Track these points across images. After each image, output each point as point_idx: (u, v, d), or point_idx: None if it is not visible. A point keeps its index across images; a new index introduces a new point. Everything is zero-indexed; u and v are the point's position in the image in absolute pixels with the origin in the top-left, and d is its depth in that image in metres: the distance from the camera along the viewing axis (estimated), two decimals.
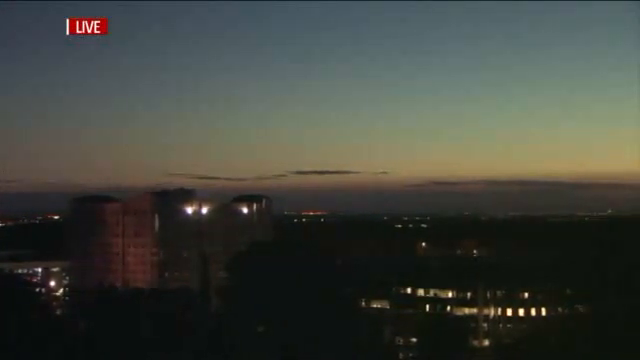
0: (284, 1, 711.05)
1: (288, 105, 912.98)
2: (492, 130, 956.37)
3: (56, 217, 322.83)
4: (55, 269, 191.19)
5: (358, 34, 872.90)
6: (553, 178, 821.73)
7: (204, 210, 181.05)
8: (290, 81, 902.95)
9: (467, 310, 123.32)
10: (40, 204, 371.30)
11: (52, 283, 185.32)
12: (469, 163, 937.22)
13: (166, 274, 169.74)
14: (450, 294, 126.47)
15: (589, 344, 73.91)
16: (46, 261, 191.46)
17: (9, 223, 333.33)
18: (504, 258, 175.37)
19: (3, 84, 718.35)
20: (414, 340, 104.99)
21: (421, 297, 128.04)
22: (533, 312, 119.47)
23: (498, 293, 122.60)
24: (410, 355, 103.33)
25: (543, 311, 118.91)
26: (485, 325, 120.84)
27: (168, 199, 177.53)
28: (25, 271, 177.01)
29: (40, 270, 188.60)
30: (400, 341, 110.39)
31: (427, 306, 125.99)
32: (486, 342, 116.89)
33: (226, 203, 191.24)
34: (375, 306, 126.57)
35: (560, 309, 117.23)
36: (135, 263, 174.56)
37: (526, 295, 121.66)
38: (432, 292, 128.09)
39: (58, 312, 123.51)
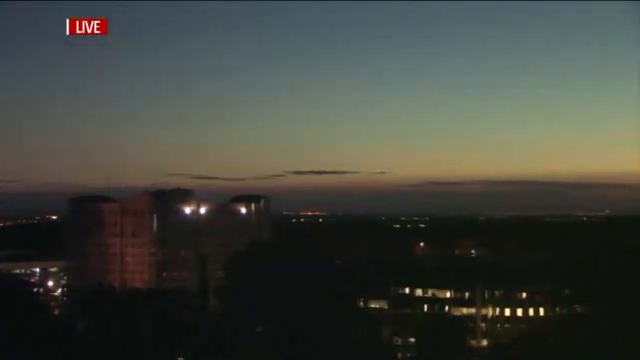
0: (284, 1, 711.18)
1: (286, 105, 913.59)
2: (490, 130, 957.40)
3: (54, 217, 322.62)
4: (53, 269, 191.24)
5: (357, 34, 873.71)
6: (552, 178, 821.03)
7: (202, 210, 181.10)
8: (288, 81, 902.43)
9: (465, 310, 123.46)
10: (40, 204, 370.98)
11: (50, 283, 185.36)
12: (467, 163, 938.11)
13: (164, 274, 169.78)
14: (448, 294, 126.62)
15: (587, 344, 73.93)
16: (44, 261, 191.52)
17: (7, 223, 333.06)
18: (502, 258, 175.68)
19: (3, 84, 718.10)
20: (412, 340, 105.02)
21: (419, 297, 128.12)
22: (531, 312, 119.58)
23: (496, 293, 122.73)
24: (408, 355, 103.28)
25: (541, 311, 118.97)
26: (483, 325, 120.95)
27: (166, 199, 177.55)
28: (23, 271, 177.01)
29: (38, 270, 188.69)
30: (398, 341, 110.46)
31: (425, 306, 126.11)
32: (484, 342, 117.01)
33: (224, 203, 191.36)
34: (373, 306, 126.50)
35: (558, 309, 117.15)
36: (133, 263, 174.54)
37: (524, 295, 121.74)
38: (430, 292, 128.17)
39: (56, 312, 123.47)
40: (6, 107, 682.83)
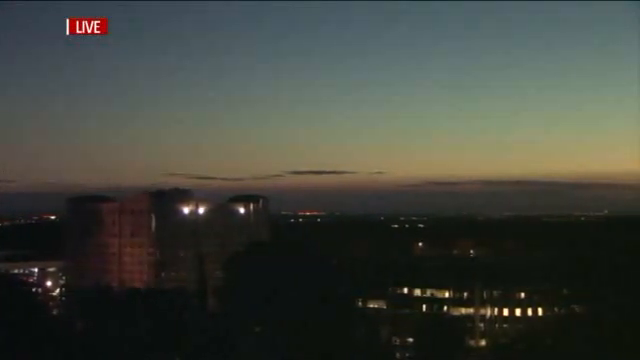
0: (284, 1, 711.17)
1: (285, 105, 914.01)
2: (490, 130, 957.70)
3: (53, 217, 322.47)
4: (51, 269, 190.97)
5: (356, 34, 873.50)
6: (551, 178, 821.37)
7: (201, 210, 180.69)
8: (287, 81, 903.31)
9: (464, 310, 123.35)
10: (39, 204, 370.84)
11: (49, 283, 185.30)
12: (466, 163, 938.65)
13: (163, 274, 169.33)
14: (447, 294, 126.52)
15: (585, 344, 74.01)
16: (43, 261, 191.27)
17: (6, 223, 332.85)
18: (501, 258, 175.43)
19: (3, 84, 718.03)
20: (411, 340, 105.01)
21: (418, 297, 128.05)
22: (530, 312, 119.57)
23: (495, 293, 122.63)
24: (407, 355, 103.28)
25: (540, 311, 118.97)
26: (482, 325, 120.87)
27: (165, 199, 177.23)
28: (21, 271, 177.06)
29: (36, 270, 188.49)
30: (397, 341, 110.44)
31: (424, 306, 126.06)
32: (483, 342, 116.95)
33: (223, 203, 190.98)
34: (372, 306, 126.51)
35: (557, 309, 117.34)
36: (132, 263, 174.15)
37: (523, 295, 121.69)
38: (429, 292, 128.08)
39: (54, 312, 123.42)
40: (6, 107, 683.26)
